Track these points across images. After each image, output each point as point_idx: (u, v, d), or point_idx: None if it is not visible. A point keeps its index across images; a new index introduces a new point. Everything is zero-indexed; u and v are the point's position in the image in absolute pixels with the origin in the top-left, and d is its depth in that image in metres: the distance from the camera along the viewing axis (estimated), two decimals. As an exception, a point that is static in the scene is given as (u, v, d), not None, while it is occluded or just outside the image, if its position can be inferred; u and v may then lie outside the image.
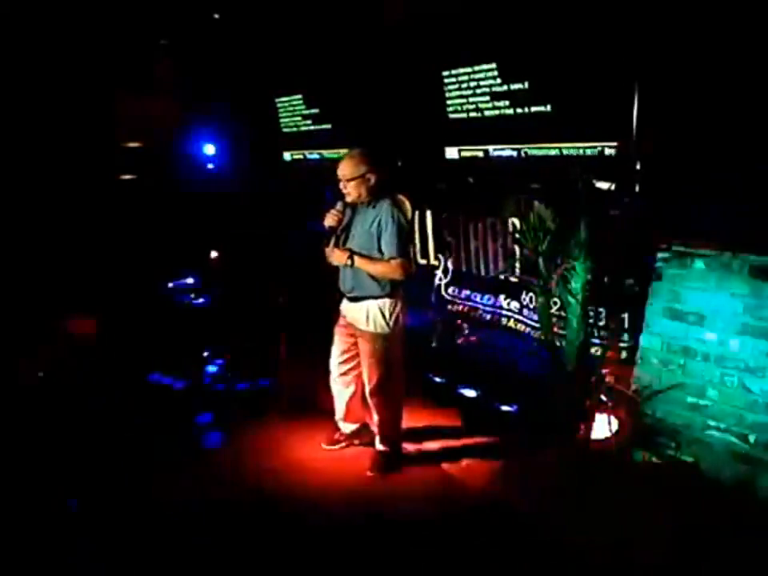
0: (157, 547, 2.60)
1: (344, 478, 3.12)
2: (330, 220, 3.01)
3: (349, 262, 2.97)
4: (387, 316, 3.00)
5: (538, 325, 3.69)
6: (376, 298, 3.00)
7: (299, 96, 5.28)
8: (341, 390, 3.29)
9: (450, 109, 3.90)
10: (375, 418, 3.17)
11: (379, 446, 3.20)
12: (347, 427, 3.37)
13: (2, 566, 2.47)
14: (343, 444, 3.37)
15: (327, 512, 2.84)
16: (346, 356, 3.20)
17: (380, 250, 2.96)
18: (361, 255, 2.97)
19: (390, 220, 2.92)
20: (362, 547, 2.61)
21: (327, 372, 3.31)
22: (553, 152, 3.37)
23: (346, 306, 3.15)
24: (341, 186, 2.98)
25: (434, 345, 4.41)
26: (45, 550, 2.58)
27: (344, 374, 3.24)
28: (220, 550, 2.58)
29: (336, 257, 3.02)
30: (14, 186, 5.16)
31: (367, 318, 3.01)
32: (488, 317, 4.14)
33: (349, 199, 3.00)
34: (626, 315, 3.30)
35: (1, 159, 5.12)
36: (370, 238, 2.97)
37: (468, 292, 4.31)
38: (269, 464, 3.23)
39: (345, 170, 2.95)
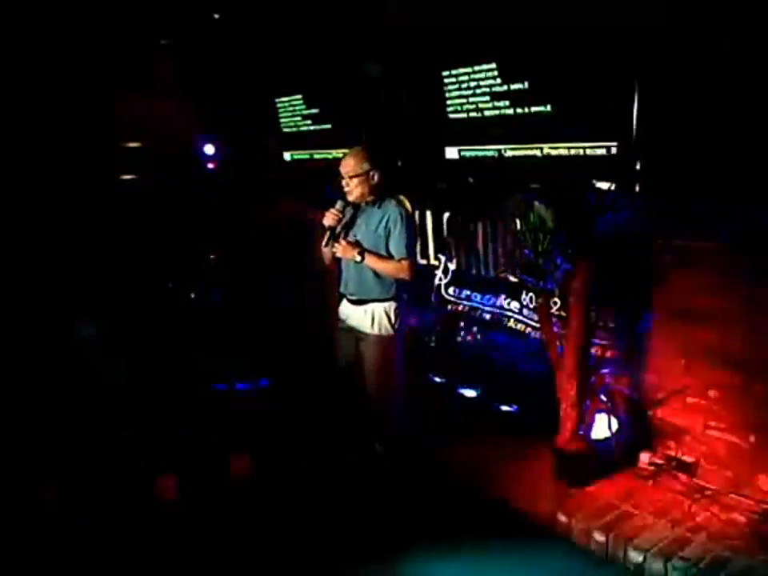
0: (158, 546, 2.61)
1: (344, 479, 3.12)
2: (329, 219, 2.95)
3: (358, 258, 2.90)
4: (392, 318, 2.97)
5: (538, 325, 3.68)
6: (381, 300, 2.96)
7: (299, 96, 5.28)
8: (344, 394, 3.29)
9: (450, 109, 3.89)
10: (377, 419, 3.16)
11: (380, 448, 3.20)
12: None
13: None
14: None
15: (326, 511, 2.84)
16: (349, 360, 3.17)
17: (387, 251, 2.92)
18: (371, 253, 2.91)
19: (399, 220, 2.88)
20: (360, 545, 2.61)
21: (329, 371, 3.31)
22: (553, 152, 3.36)
23: (347, 310, 3.09)
24: (343, 183, 2.92)
25: (433, 344, 4.41)
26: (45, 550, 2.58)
27: (348, 377, 3.22)
28: (218, 550, 2.58)
29: (343, 250, 2.93)
30: (16, 186, 5.16)
31: (372, 321, 2.97)
32: (488, 317, 4.13)
33: (350, 198, 2.94)
34: (625, 315, 3.30)
35: (2, 159, 5.12)
36: (378, 239, 2.92)
37: (468, 292, 4.30)
38: (268, 463, 3.23)
39: (348, 166, 2.90)
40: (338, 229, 3.01)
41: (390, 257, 2.92)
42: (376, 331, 2.98)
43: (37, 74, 5.22)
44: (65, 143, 5.39)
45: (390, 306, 2.97)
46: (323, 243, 3.00)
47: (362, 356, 3.07)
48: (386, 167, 2.99)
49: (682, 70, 2.74)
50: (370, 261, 2.91)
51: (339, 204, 2.97)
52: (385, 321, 2.97)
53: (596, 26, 2.95)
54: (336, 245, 2.97)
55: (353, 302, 3.06)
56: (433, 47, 3.90)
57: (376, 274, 2.94)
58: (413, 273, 2.94)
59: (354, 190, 2.92)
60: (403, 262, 2.90)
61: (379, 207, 2.95)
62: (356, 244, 2.94)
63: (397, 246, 2.90)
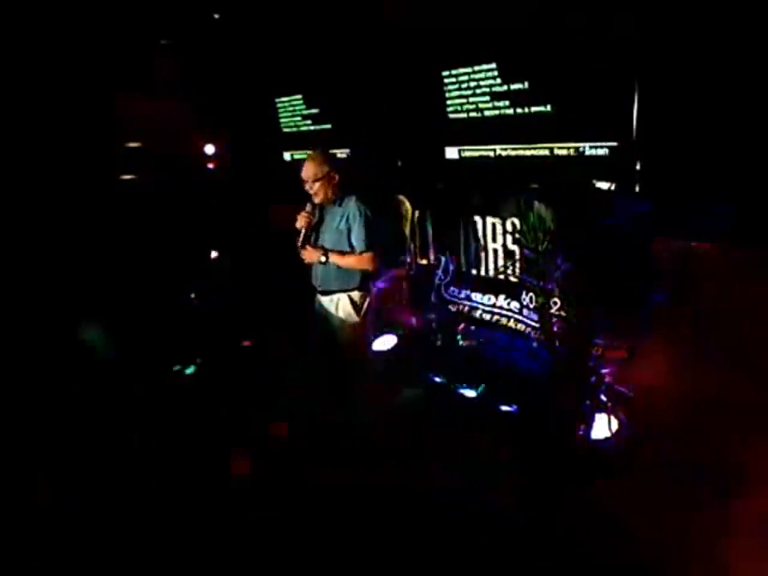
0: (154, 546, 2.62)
1: (341, 479, 3.12)
2: (301, 221, 3.15)
3: (323, 259, 3.11)
4: (357, 306, 3.15)
5: (537, 325, 3.68)
6: (345, 290, 3.15)
7: (299, 96, 5.28)
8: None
9: (450, 109, 3.90)
10: (359, 412, 3.21)
11: (373, 446, 3.22)
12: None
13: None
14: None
15: (325, 513, 2.84)
16: (330, 349, 3.26)
17: (350, 245, 3.10)
18: (333, 251, 3.11)
19: (358, 214, 3.06)
20: (361, 548, 2.61)
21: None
22: (553, 152, 3.37)
23: (319, 300, 3.27)
24: (306, 187, 3.12)
25: (433, 344, 4.41)
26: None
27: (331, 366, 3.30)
28: (222, 549, 2.59)
29: (309, 254, 3.16)
30: (16, 186, 5.16)
31: (337, 308, 3.16)
32: (488, 317, 4.14)
33: (317, 199, 3.14)
34: (625, 315, 3.30)
35: (5, 160, 5.12)
36: (340, 236, 3.11)
37: (468, 292, 4.30)
38: (269, 464, 3.23)
39: (309, 171, 3.10)
40: (309, 230, 3.20)
41: (352, 251, 3.09)
42: (342, 317, 3.16)
43: (37, 74, 5.23)
44: (65, 143, 5.39)
45: (354, 294, 3.15)
46: (299, 244, 3.20)
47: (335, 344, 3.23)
48: (343, 167, 3.19)
49: (681, 69, 2.75)
50: (335, 259, 3.12)
51: (308, 206, 3.17)
52: (349, 308, 3.15)
53: (596, 26, 2.96)
54: (302, 251, 3.18)
55: (321, 293, 3.25)
56: (433, 47, 3.91)
57: (338, 266, 3.13)
58: (377, 264, 3.14)
59: (318, 192, 3.12)
60: (365, 254, 3.08)
61: (340, 205, 3.15)
62: (319, 248, 3.16)
63: (357, 239, 3.08)
